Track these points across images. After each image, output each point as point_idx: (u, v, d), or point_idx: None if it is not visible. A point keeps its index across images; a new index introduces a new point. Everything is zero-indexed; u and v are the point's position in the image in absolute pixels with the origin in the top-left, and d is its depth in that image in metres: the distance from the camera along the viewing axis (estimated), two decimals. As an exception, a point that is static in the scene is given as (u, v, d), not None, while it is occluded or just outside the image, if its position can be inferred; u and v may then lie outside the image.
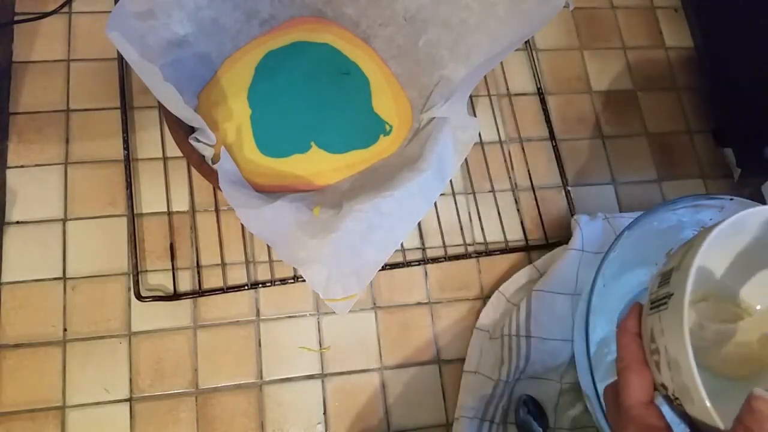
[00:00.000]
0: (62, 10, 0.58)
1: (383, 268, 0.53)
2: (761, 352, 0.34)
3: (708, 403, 0.26)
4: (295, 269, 0.53)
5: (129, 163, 0.54)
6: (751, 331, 0.34)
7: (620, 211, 0.60)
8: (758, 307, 0.35)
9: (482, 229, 0.58)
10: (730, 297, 0.36)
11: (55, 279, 0.51)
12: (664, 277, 0.30)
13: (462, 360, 0.54)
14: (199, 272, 0.52)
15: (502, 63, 0.63)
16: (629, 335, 0.32)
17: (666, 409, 0.30)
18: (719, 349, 0.34)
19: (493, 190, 0.59)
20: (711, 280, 0.36)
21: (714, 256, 0.34)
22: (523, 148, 0.61)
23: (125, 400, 0.49)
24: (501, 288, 0.56)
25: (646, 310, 0.31)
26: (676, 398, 0.28)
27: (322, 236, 0.44)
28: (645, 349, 0.31)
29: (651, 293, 0.31)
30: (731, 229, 0.29)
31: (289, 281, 0.53)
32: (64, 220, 0.53)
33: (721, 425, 0.26)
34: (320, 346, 0.53)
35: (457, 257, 0.56)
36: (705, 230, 0.30)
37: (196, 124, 0.47)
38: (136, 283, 0.51)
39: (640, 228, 0.47)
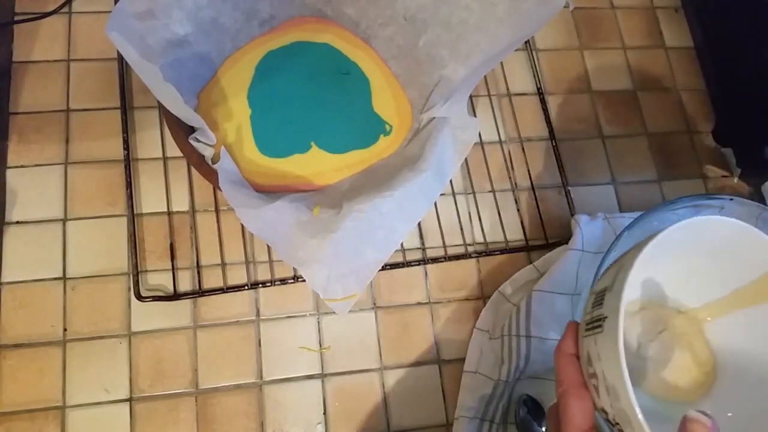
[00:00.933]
0: (62, 10, 0.58)
1: (383, 268, 0.53)
2: (700, 376, 0.34)
3: (647, 429, 0.25)
4: (295, 269, 0.53)
5: (129, 163, 0.54)
6: (685, 342, 0.34)
7: (620, 211, 0.60)
8: (697, 309, 0.35)
9: (482, 229, 0.58)
10: (670, 302, 0.36)
11: (55, 279, 0.51)
12: (598, 298, 0.29)
13: (462, 360, 0.54)
14: (199, 272, 0.52)
15: (502, 63, 0.63)
16: (566, 357, 0.31)
17: None
18: (660, 370, 0.34)
19: (493, 190, 0.59)
20: (650, 287, 0.35)
21: (653, 264, 0.33)
22: (523, 148, 0.61)
23: (125, 400, 0.49)
24: (501, 288, 0.56)
25: (582, 330, 0.30)
26: (617, 423, 0.28)
27: (322, 236, 0.44)
28: (584, 372, 0.30)
29: (586, 313, 0.30)
30: (662, 245, 0.29)
31: (289, 281, 0.53)
32: (64, 220, 0.53)
33: None
34: (320, 346, 0.53)
35: (457, 257, 0.56)
36: (636, 247, 0.29)
37: (196, 124, 0.47)
38: (136, 283, 0.51)
39: (640, 228, 0.47)
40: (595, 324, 0.28)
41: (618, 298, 0.27)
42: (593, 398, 0.29)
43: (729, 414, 0.31)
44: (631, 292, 0.28)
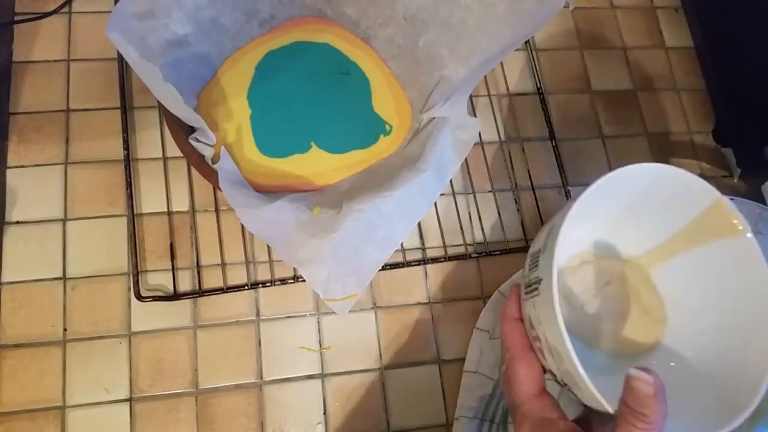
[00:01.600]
0: (62, 10, 0.58)
1: (383, 268, 0.53)
2: (650, 326, 0.33)
3: (594, 390, 0.25)
4: (295, 269, 0.53)
5: (129, 163, 0.54)
6: (623, 283, 0.34)
7: (620, 211, 0.60)
8: (638, 257, 0.35)
9: (482, 229, 0.58)
10: (613, 253, 0.35)
11: (55, 279, 0.51)
12: (533, 260, 0.29)
13: (462, 360, 0.54)
14: (199, 272, 0.52)
15: (502, 63, 0.63)
16: (511, 321, 0.30)
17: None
18: (610, 325, 0.33)
19: (493, 190, 0.59)
20: (589, 241, 0.35)
21: (588, 220, 0.33)
22: (523, 148, 0.61)
23: (125, 400, 0.49)
24: (501, 288, 0.56)
25: (522, 294, 0.30)
26: (565, 384, 0.28)
27: (322, 236, 0.44)
28: (529, 335, 0.30)
29: (524, 276, 0.30)
30: (592, 199, 0.29)
31: (289, 281, 0.53)
32: (64, 220, 0.53)
33: (610, 409, 0.26)
34: (320, 346, 0.53)
35: (457, 257, 0.56)
36: (566, 206, 0.29)
37: (196, 124, 0.47)
38: (136, 283, 0.51)
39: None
40: (533, 287, 0.28)
41: (551, 258, 0.27)
42: (541, 361, 0.29)
43: (672, 364, 0.31)
44: (567, 249, 0.27)
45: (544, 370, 0.30)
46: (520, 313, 0.30)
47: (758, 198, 0.60)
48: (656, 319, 0.34)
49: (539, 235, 0.30)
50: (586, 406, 0.28)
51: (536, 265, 0.28)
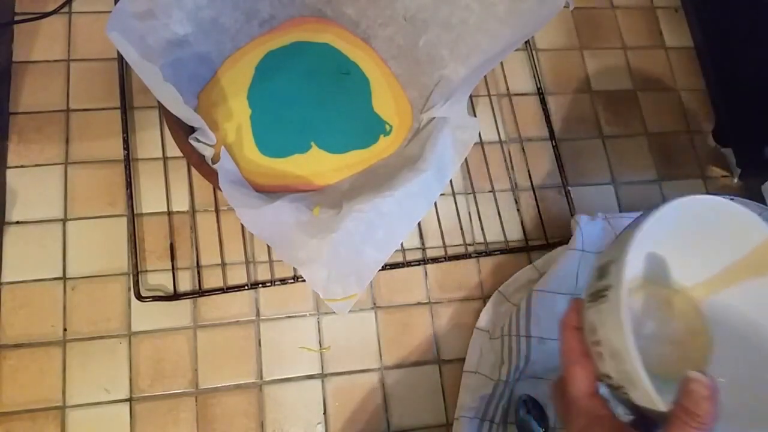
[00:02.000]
0: (62, 10, 0.58)
1: (383, 268, 0.53)
2: (695, 353, 0.35)
3: (650, 387, 0.27)
4: (295, 269, 0.53)
5: (129, 163, 0.54)
6: (682, 314, 0.35)
7: (620, 211, 0.60)
8: (694, 286, 0.36)
9: (482, 229, 0.58)
10: (666, 281, 0.37)
11: (55, 279, 0.51)
12: (602, 270, 0.31)
13: (462, 360, 0.54)
14: (199, 272, 0.52)
15: (502, 63, 0.63)
16: (570, 330, 0.33)
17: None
18: (658, 349, 0.35)
19: (493, 190, 0.59)
20: (648, 266, 0.37)
21: (652, 241, 0.35)
22: (523, 148, 0.61)
23: (125, 400, 0.49)
24: (501, 288, 0.56)
25: (586, 303, 0.32)
26: (621, 386, 0.29)
27: (322, 236, 0.44)
28: (587, 342, 0.32)
29: (590, 286, 0.32)
30: (665, 217, 0.30)
31: (289, 281, 0.53)
32: (64, 220, 0.53)
33: (663, 408, 0.27)
34: (320, 346, 0.53)
35: (457, 257, 0.56)
36: (639, 219, 0.31)
37: (196, 124, 0.47)
38: (136, 283, 0.51)
39: (640, 228, 0.47)
40: (600, 294, 0.30)
41: (622, 266, 0.29)
42: (596, 366, 0.31)
43: (722, 379, 0.32)
44: (633, 266, 0.29)
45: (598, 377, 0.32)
46: (579, 322, 0.33)
47: (758, 198, 0.60)
48: (703, 346, 0.35)
49: (607, 251, 0.32)
50: (635, 411, 0.30)
51: (604, 276, 0.30)
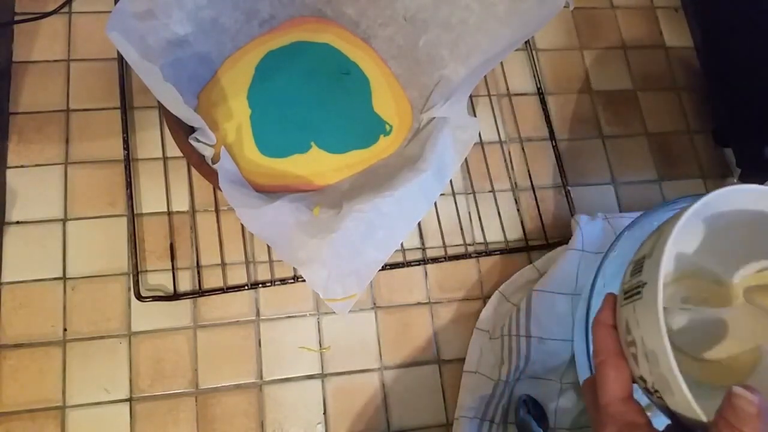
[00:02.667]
0: (62, 10, 0.58)
1: (383, 268, 0.53)
2: (741, 356, 0.33)
3: (688, 395, 0.25)
4: (295, 269, 0.53)
5: (129, 163, 0.54)
6: (731, 327, 0.33)
7: (620, 211, 0.60)
8: (735, 281, 0.34)
9: (482, 229, 0.58)
10: (707, 274, 0.35)
11: (55, 279, 0.51)
12: (636, 266, 0.29)
13: (462, 360, 0.54)
14: (199, 272, 0.52)
15: (502, 63, 0.63)
16: (604, 328, 0.31)
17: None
18: (698, 349, 0.33)
19: (493, 190, 0.59)
20: (686, 258, 0.35)
21: (688, 236, 0.32)
22: (523, 148, 0.61)
23: (125, 400, 0.49)
24: (501, 288, 0.56)
25: (619, 300, 0.30)
26: (656, 390, 0.28)
27: (322, 236, 0.44)
28: (622, 342, 0.30)
29: (624, 283, 0.30)
30: (702, 211, 0.29)
31: (289, 281, 0.53)
32: (64, 220, 0.53)
33: (703, 417, 0.25)
34: (320, 346, 0.53)
35: (457, 257, 0.56)
36: (675, 215, 0.29)
37: (196, 124, 0.47)
38: (136, 283, 0.51)
39: (640, 228, 0.47)
40: (634, 292, 0.28)
41: (657, 264, 0.27)
42: (631, 368, 0.29)
43: None
44: (668, 260, 0.27)
45: (633, 380, 0.30)
46: (613, 320, 0.31)
47: (758, 198, 0.60)
48: (750, 348, 0.33)
49: (644, 245, 0.31)
50: (671, 417, 0.28)
51: (640, 271, 0.29)
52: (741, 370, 0.32)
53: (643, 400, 0.30)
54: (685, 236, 0.30)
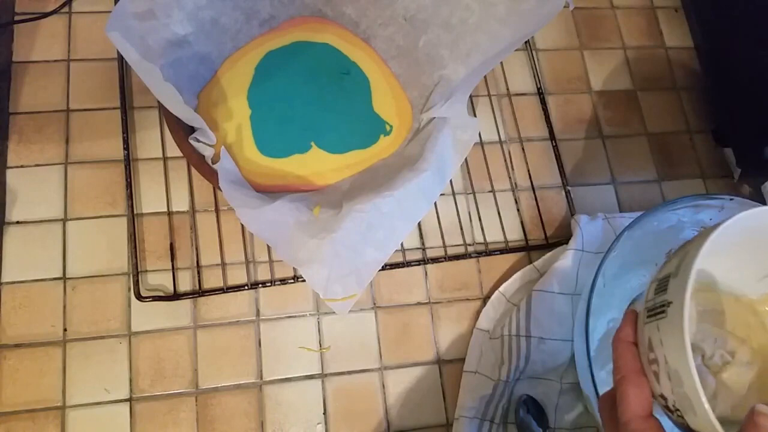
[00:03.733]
0: (62, 10, 0.58)
1: (383, 268, 0.53)
2: (763, 376, 0.33)
3: (711, 415, 0.25)
4: (295, 269, 0.53)
5: (129, 163, 0.54)
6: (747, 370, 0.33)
7: (620, 211, 0.60)
8: (753, 297, 0.34)
9: (482, 229, 0.58)
10: (725, 288, 0.35)
11: (55, 279, 0.51)
12: (661, 284, 0.29)
13: (462, 360, 0.54)
14: (199, 272, 0.52)
15: (502, 63, 0.63)
16: (625, 344, 0.31)
17: (665, 420, 0.29)
18: (720, 372, 0.33)
19: (493, 190, 0.59)
20: (704, 273, 0.35)
21: (712, 255, 0.33)
22: (523, 148, 0.61)
23: (125, 400, 0.49)
24: (501, 288, 0.56)
25: (642, 318, 0.30)
26: (677, 410, 0.28)
27: (322, 236, 0.44)
28: (642, 359, 0.30)
29: (647, 300, 0.30)
30: (729, 231, 0.29)
31: (289, 281, 0.53)
32: (64, 220, 0.53)
33: None
34: (320, 346, 0.53)
35: (457, 257, 0.56)
36: (701, 235, 0.29)
37: (196, 124, 0.47)
38: (136, 283, 0.51)
39: (640, 228, 0.47)
40: (659, 310, 0.28)
41: (684, 283, 0.27)
42: (652, 385, 0.29)
43: None
44: (694, 281, 0.27)
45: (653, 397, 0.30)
46: (634, 336, 0.31)
47: (758, 198, 0.60)
48: None
49: (668, 263, 0.31)
50: None
51: (665, 290, 0.29)
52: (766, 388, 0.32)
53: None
54: (717, 253, 0.30)
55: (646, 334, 0.29)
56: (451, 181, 0.58)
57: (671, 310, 0.27)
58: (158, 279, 0.52)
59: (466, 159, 0.55)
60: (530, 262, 0.57)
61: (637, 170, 0.64)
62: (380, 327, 0.54)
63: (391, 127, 0.56)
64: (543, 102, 0.63)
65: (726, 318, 0.34)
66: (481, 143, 0.60)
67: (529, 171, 0.60)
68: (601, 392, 0.28)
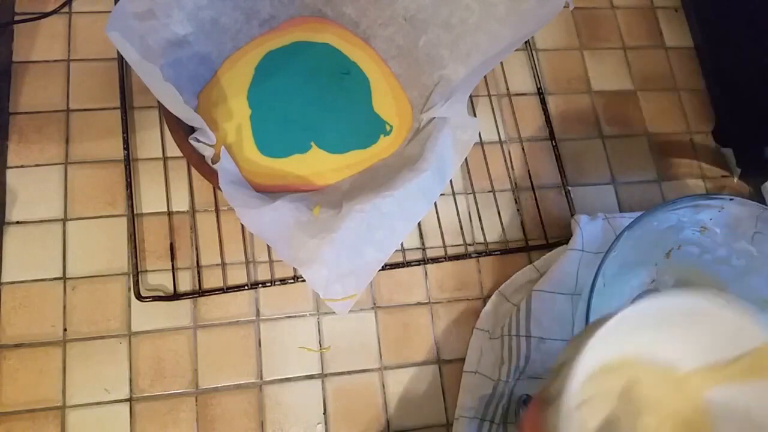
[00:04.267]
0: (62, 10, 0.58)
1: (383, 268, 0.53)
2: None
3: None
4: (295, 269, 0.53)
5: (129, 163, 0.54)
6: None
7: (620, 211, 0.60)
8: (685, 370, 0.34)
9: (482, 229, 0.58)
10: (655, 361, 0.34)
11: (55, 279, 0.51)
12: (556, 373, 0.30)
13: (462, 360, 0.54)
14: (199, 272, 0.52)
15: (502, 63, 0.63)
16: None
17: None
18: None
19: (493, 190, 0.59)
20: (630, 345, 0.33)
21: (623, 334, 0.32)
22: (523, 148, 0.61)
23: (125, 400, 0.49)
24: (501, 288, 0.56)
25: (541, 403, 0.31)
26: None
27: (322, 236, 0.44)
28: None
29: (544, 388, 0.31)
30: (617, 326, 0.29)
31: (289, 281, 0.53)
32: (64, 220, 0.53)
33: None
34: (320, 346, 0.53)
35: (457, 257, 0.56)
36: (590, 328, 0.29)
37: (196, 124, 0.47)
38: (136, 283, 0.51)
39: (640, 228, 0.47)
40: (554, 398, 0.29)
41: (571, 376, 0.28)
42: None
43: None
44: (594, 361, 0.28)
45: None
46: (538, 425, 0.31)
47: (758, 198, 0.60)
48: None
49: (563, 351, 0.31)
50: None
51: (557, 378, 0.29)
52: None
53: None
54: (617, 337, 0.30)
55: (549, 419, 0.30)
56: (451, 181, 0.58)
57: (561, 401, 0.28)
58: (158, 279, 0.52)
59: (466, 159, 0.55)
60: (530, 262, 0.57)
61: (637, 170, 0.64)
62: (380, 327, 0.54)
63: (391, 127, 0.56)
64: (543, 102, 0.63)
65: (659, 392, 0.33)
66: (481, 143, 0.60)
67: (529, 171, 0.60)
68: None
